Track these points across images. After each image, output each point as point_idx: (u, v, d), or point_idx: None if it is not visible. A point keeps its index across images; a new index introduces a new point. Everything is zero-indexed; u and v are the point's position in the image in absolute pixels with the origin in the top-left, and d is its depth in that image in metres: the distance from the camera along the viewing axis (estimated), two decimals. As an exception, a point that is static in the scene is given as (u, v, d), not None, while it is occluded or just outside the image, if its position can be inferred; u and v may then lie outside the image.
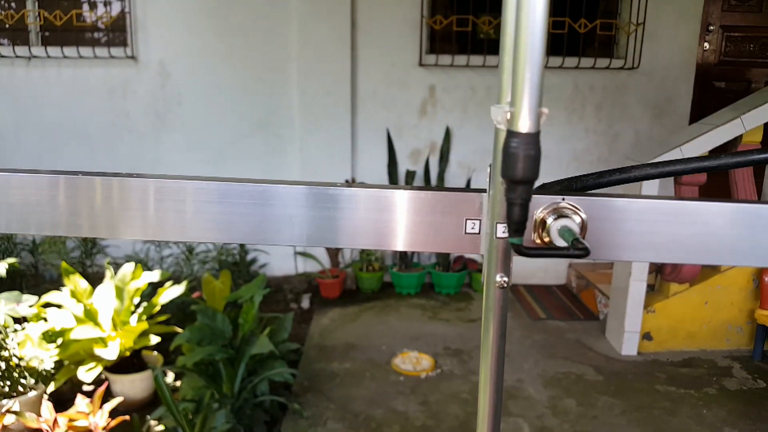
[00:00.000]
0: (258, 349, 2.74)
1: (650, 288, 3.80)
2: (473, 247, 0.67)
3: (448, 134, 4.57)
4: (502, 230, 0.61)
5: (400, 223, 0.66)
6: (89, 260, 3.88)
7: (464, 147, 4.62)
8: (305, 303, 4.34)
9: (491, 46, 4.44)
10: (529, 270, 4.83)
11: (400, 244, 0.68)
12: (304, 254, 4.63)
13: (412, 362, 3.45)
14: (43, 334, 2.78)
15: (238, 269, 4.11)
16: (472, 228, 0.66)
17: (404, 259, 4.64)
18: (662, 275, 3.74)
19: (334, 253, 4.65)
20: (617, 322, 3.75)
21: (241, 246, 4.09)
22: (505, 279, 0.63)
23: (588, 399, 3.14)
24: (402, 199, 0.66)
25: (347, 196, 0.66)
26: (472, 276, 4.62)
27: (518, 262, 4.70)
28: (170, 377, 3.22)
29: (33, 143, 4.54)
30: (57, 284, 3.62)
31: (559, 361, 3.57)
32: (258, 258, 4.49)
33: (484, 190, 0.65)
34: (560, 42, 4.42)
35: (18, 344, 2.72)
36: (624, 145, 4.70)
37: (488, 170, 0.60)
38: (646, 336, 3.71)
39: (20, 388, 2.75)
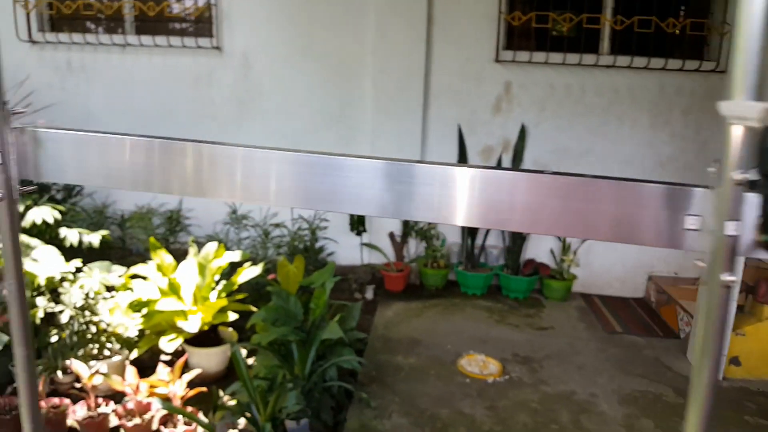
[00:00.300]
0: (328, 335, 2.77)
1: (740, 309, 3.56)
2: (692, 244, 0.65)
3: (523, 132, 4.48)
4: (732, 228, 0.59)
5: (606, 213, 0.65)
6: (172, 237, 4.05)
7: (540, 146, 4.51)
8: (369, 294, 4.35)
9: (571, 43, 4.32)
10: (606, 280, 4.66)
11: (603, 233, 0.67)
12: (369, 245, 4.64)
13: (479, 365, 3.39)
14: (130, 303, 2.92)
15: (308, 255, 4.17)
16: (693, 224, 0.64)
17: (471, 258, 4.58)
18: (755, 296, 3.48)
19: (399, 246, 4.64)
20: (700, 342, 3.54)
21: (312, 233, 4.15)
22: (732, 278, 0.61)
23: (667, 422, 2.95)
24: (611, 189, 0.65)
25: (543, 181, 0.66)
26: (544, 282, 4.50)
27: (594, 271, 4.56)
28: (243, 353, 3.30)
29: (123, 125, 4.77)
30: (142, 258, 3.80)
31: (636, 378, 3.38)
32: (327, 246, 4.54)
33: (704, 186, 0.62)
34: (646, 41, 4.25)
35: (108, 311, 2.87)
36: (714, 152, 4.46)
37: (713, 167, 0.57)
38: (734, 360, 3.44)
39: (106, 352, 2.92)
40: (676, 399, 3.18)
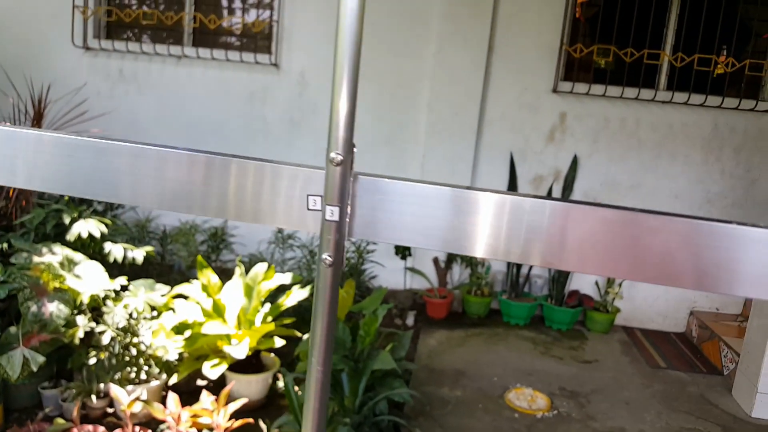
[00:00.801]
0: (380, 365, 2.72)
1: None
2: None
3: (575, 163, 4.43)
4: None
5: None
6: (215, 255, 4.02)
7: (591, 178, 4.46)
8: (410, 320, 4.31)
9: (631, 77, 4.27)
10: (647, 315, 4.58)
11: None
12: (413, 270, 4.61)
13: (527, 399, 3.34)
14: (174, 326, 2.86)
15: (351, 278, 4.14)
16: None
17: (516, 287, 4.52)
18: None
19: (443, 272, 4.60)
20: (748, 381, 3.47)
21: (359, 255, 4.12)
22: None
23: (718, 463, 2.91)
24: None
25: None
26: (587, 314, 4.43)
27: (637, 305, 4.48)
28: (282, 381, 3.27)
29: (171, 138, 4.80)
30: (183, 275, 3.75)
31: (683, 415, 3.34)
32: (371, 270, 4.52)
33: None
34: (703, 79, 4.19)
35: (152, 332, 2.81)
36: (762, 191, 4.38)
37: None
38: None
39: (143, 376, 2.82)
40: (724, 437, 3.14)
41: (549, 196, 4.32)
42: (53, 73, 4.71)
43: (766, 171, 4.38)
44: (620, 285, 4.45)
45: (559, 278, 4.47)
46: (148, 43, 4.80)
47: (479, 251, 0.62)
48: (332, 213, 0.63)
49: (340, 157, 0.62)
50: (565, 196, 4.43)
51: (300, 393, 2.59)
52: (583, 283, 4.59)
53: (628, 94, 4.26)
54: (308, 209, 0.65)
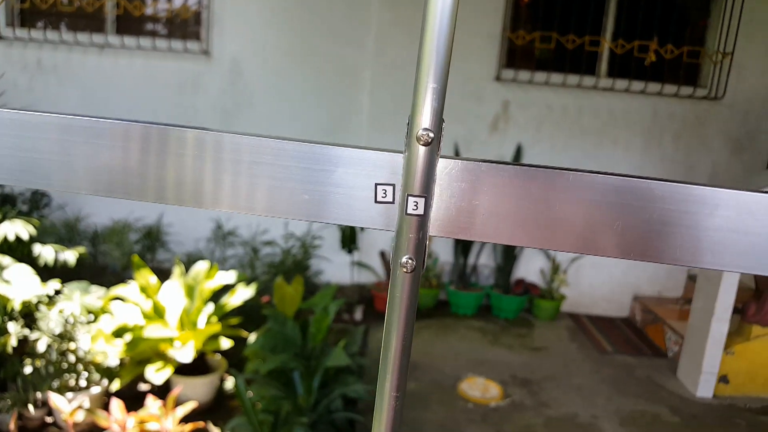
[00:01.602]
0: (334, 362, 2.61)
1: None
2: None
3: (519, 152, 4.43)
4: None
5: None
6: (150, 254, 3.78)
7: (535, 167, 4.46)
8: (358, 315, 4.21)
9: (573, 64, 4.30)
10: (593, 300, 4.64)
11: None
12: (360, 264, 4.50)
13: (480, 389, 3.29)
14: (114, 329, 2.67)
15: (296, 273, 3.99)
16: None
17: (463, 277, 4.48)
18: (744, 316, 3.55)
19: (389, 265, 4.51)
20: (693, 362, 3.56)
21: (305, 251, 3.97)
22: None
23: (671, 443, 2.95)
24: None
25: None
26: (534, 301, 4.44)
27: (582, 291, 4.53)
28: (230, 383, 3.10)
29: (97, 131, 4.49)
30: (118, 277, 3.52)
31: (633, 398, 3.39)
32: (317, 265, 4.37)
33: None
34: (642, 66, 4.27)
35: (92, 338, 2.62)
36: (699, 177, 4.51)
37: None
38: (723, 379, 3.52)
39: (82, 383, 2.66)
40: (673, 418, 3.22)
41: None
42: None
43: (703, 157, 4.51)
44: (565, 272, 4.49)
45: (505, 267, 4.46)
46: (68, 31, 4.47)
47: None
48: (416, 205, 0.50)
49: (430, 135, 0.49)
50: (511, 184, 4.42)
51: (252, 394, 2.44)
52: (529, 271, 4.60)
53: (570, 82, 4.29)
54: (376, 201, 0.52)
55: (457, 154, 4.42)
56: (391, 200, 0.52)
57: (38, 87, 4.47)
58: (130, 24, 4.50)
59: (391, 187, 0.52)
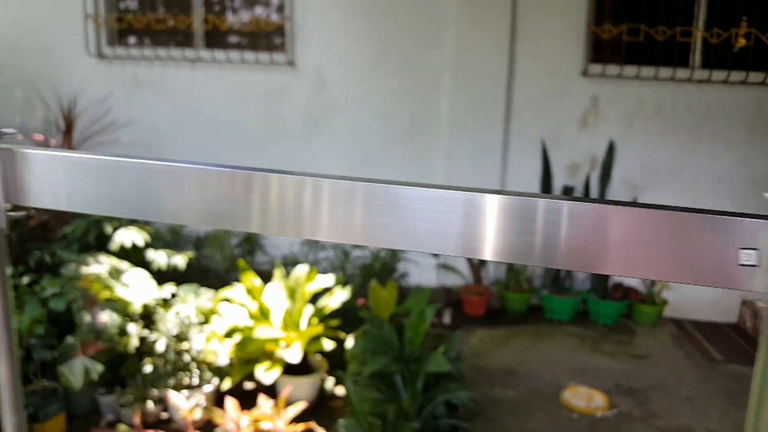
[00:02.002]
0: (434, 367, 2.55)
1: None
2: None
3: (611, 149, 4.24)
4: None
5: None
6: (248, 257, 3.88)
7: (629, 164, 4.27)
8: (446, 318, 4.13)
9: (665, 56, 4.08)
10: (696, 305, 4.36)
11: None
12: (446, 267, 4.43)
13: (584, 398, 3.14)
14: (226, 330, 2.76)
15: (381, 276, 3.98)
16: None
17: (556, 282, 4.33)
18: None
19: (477, 267, 4.42)
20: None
21: (393, 253, 3.95)
22: None
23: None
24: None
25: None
26: (633, 306, 4.22)
27: (685, 295, 4.28)
28: (330, 383, 3.10)
29: (191, 143, 4.66)
30: (220, 279, 3.64)
31: (751, 411, 3.14)
32: (404, 267, 4.32)
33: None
34: (743, 55, 4.00)
35: (206, 338, 2.72)
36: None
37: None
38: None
39: (194, 381, 2.76)
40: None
41: (570, 196, 4.14)
42: (71, 83, 4.59)
43: (815, 149, 4.18)
44: (666, 274, 4.26)
45: (601, 270, 4.27)
46: (162, 48, 4.66)
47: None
48: None
49: None
50: (604, 183, 4.25)
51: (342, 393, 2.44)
52: (626, 274, 4.39)
53: (663, 75, 4.08)
54: (739, 265, 0.54)
55: (544, 152, 4.28)
56: (754, 263, 0.55)
57: (136, 101, 4.68)
58: (219, 38, 4.65)
59: (754, 252, 0.54)
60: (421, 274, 4.45)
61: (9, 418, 0.76)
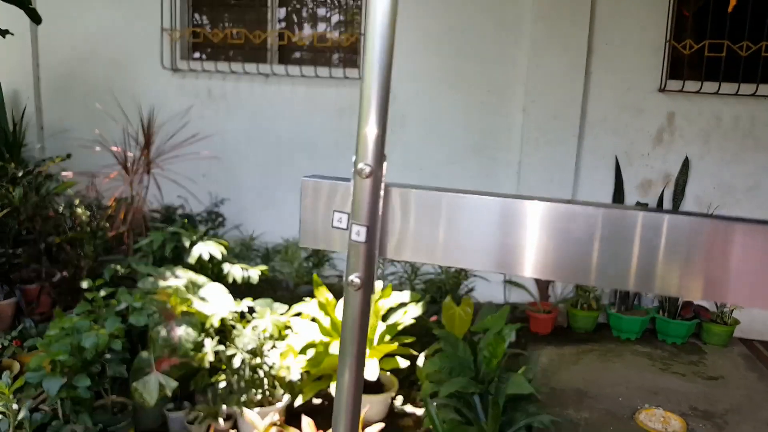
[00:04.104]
0: (515, 389, 2.57)
1: None
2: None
3: (686, 166, 4.16)
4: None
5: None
6: (317, 270, 3.96)
7: (703, 181, 4.18)
8: (512, 336, 4.12)
9: (748, 72, 3.99)
10: (767, 325, 4.25)
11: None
12: (512, 283, 4.43)
13: (660, 421, 3.11)
14: (303, 347, 2.80)
15: (447, 291, 4.00)
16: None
17: (625, 300, 4.28)
18: None
19: (545, 285, 4.40)
20: None
21: (462, 269, 3.97)
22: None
23: None
24: None
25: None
26: (703, 326, 4.14)
27: (755, 315, 4.16)
28: (399, 401, 3.15)
29: (261, 155, 4.78)
30: (290, 292, 3.71)
31: (837, 440, 3.05)
32: (472, 284, 4.34)
33: None
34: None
35: (281, 354, 2.76)
36: None
37: None
38: None
39: (269, 397, 2.79)
40: None
41: (638, 205, 4.06)
42: (144, 96, 4.77)
43: None
44: (740, 295, 4.15)
45: (672, 289, 4.20)
46: (235, 62, 4.80)
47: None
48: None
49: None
50: (677, 200, 4.17)
51: (419, 413, 2.47)
52: (697, 293, 4.30)
53: (744, 91, 3.98)
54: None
55: (617, 169, 4.24)
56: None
57: (209, 115, 4.84)
58: (292, 53, 4.76)
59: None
60: (490, 291, 4.46)
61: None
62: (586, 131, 4.28)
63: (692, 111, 4.14)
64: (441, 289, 4.01)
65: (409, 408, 3.11)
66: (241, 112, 4.80)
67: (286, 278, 3.72)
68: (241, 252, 3.85)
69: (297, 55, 4.81)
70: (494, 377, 2.73)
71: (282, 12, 4.80)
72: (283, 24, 4.81)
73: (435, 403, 2.54)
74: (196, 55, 5.01)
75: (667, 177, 4.23)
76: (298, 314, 3.05)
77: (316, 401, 3.08)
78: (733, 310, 4.14)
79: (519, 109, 4.33)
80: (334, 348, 2.75)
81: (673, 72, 4.19)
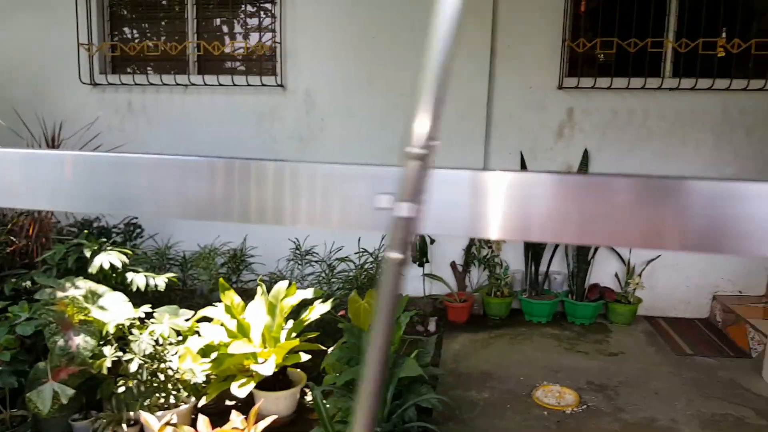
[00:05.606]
0: (406, 372, 2.74)
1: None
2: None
3: (586, 158, 4.43)
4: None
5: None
6: (235, 276, 4.07)
7: (603, 171, 4.45)
8: (432, 326, 4.32)
9: (638, 67, 4.27)
10: (670, 303, 4.56)
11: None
12: (432, 276, 4.63)
13: (555, 396, 3.33)
14: (201, 348, 2.89)
15: (372, 288, 4.17)
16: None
17: (535, 285, 4.52)
18: None
19: (461, 276, 4.62)
20: (779, 363, 3.44)
21: (377, 265, 4.15)
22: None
23: (755, 447, 2.89)
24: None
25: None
26: (609, 306, 4.41)
27: (659, 293, 4.46)
28: (310, 396, 3.29)
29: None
30: (206, 299, 3.80)
31: (715, 401, 3.32)
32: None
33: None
34: (709, 63, 4.19)
35: (179, 357, 2.85)
36: (779, 170, 4.35)
37: None
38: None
39: (172, 400, 2.84)
40: (759, 420, 3.12)
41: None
42: (64, 111, 4.82)
43: (780, 150, 4.35)
44: (640, 275, 4.44)
45: (578, 273, 4.46)
46: (155, 74, 4.89)
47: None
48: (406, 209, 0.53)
49: (419, 150, 0.55)
50: (578, 190, 4.42)
51: (329, 405, 2.62)
52: (603, 275, 4.58)
53: (635, 85, 4.27)
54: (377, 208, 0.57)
55: (523, 164, 4.48)
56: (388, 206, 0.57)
57: (129, 127, 4.91)
58: (211, 64, 4.88)
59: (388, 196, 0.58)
60: (409, 285, 4.65)
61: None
62: (492, 129, 4.51)
63: (590, 106, 4.41)
64: (364, 286, 4.17)
65: (324, 401, 3.25)
66: (162, 123, 4.89)
67: (202, 285, 3.82)
68: (158, 261, 3.93)
69: (221, 65, 4.92)
70: (392, 363, 2.91)
71: (202, 24, 4.91)
72: (205, 35, 4.91)
73: (329, 392, 2.70)
74: (121, 68, 5.07)
75: (569, 169, 4.49)
76: (205, 319, 3.15)
77: (231, 402, 3.17)
78: (635, 290, 4.42)
79: (431, 110, 4.52)
80: (233, 348, 2.85)
81: (573, 70, 4.45)
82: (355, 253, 4.18)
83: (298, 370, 3.28)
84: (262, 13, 4.85)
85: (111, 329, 2.73)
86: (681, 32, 4.28)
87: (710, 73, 4.20)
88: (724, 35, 4.18)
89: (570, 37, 4.35)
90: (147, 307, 2.96)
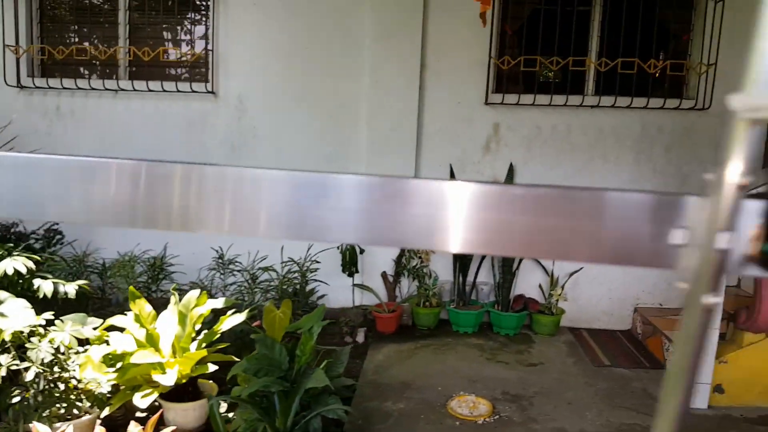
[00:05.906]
0: (313, 383, 2.73)
1: (721, 337, 3.61)
2: (677, 262, 0.54)
3: (511, 171, 4.53)
4: (725, 240, 0.48)
5: (585, 231, 0.52)
6: (155, 285, 4.00)
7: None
8: (360, 337, 4.33)
9: (558, 85, 4.41)
10: (593, 314, 4.68)
11: (585, 256, 0.53)
12: (362, 287, 4.65)
13: (469, 406, 3.38)
14: (104, 357, 2.82)
15: (298, 299, 4.16)
16: (679, 239, 0.52)
17: (463, 296, 4.58)
18: (735, 323, 3.55)
19: (392, 286, 4.65)
20: (687, 374, 3.56)
21: (302, 275, 4.14)
22: (716, 300, 0.49)
23: (654, 456, 2.97)
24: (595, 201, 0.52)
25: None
26: (533, 317, 4.50)
27: (582, 305, 4.57)
28: (224, 407, 3.26)
29: (112, 170, 4.78)
30: (122, 308, 3.72)
31: (624, 411, 3.41)
32: (318, 289, 4.53)
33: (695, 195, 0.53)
34: (629, 82, 4.34)
35: (79, 366, 2.78)
36: (693, 186, 4.53)
37: (711, 174, 0.46)
38: (717, 389, 3.51)
39: (75, 411, 2.77)
40: None
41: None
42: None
43: (696, 166, 4.53)
44: (563, 286, 4.54)
45: (504, 284, 4.54)
46: (84, 79, 4.80)
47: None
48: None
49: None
50: (504, 203, 4.51)
51: (231, 415, 2.60)
52: (528, 287, 4.67)
53: (557, 101, 4.39)
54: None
55: (452, 176, 4.55)
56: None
57: (57, 131, 4.81)
58: (143, 70, 4.82)
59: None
60: (339, 295, 4.66)
61: None
62: (423, 141, 4.58)
63: (515, 121, 4.52)
64: (295, 296, 4.17)
65: (231, 413, 3.21)
66: (91, 128, 4.80)
67: (119, 294, 3.75)
68: (76, 268, 3.85)
69: (153, 71, 4.86)
70: (302, 374, 2.91)
71: (138, 29, 4.85)
72: (139, 42, 4.85)
73: (222, 402, 2.67)
74: (52, 72, 4.96)
75: (496, 181, 4.58)
76: (117, 328, 3.09)
77: (141, 414, 3.12)
78: (558, 301, 4.52)
79: (364, 121, 4.57)
80: (137, 358, 2.80)
81: (499, 86, 4.56)
82: (281, 263, 4.16)
83: (211, 381, 3.24)
84: (195, 19, 4.82)
85: (7, 336, 2.64)
86: (602, 52, 4.43)
87: (629, 91, 4.35)
88: (662, 54, 4.34)
89: (496, 54, 4.46)
90: (50, 314, 2.88)
